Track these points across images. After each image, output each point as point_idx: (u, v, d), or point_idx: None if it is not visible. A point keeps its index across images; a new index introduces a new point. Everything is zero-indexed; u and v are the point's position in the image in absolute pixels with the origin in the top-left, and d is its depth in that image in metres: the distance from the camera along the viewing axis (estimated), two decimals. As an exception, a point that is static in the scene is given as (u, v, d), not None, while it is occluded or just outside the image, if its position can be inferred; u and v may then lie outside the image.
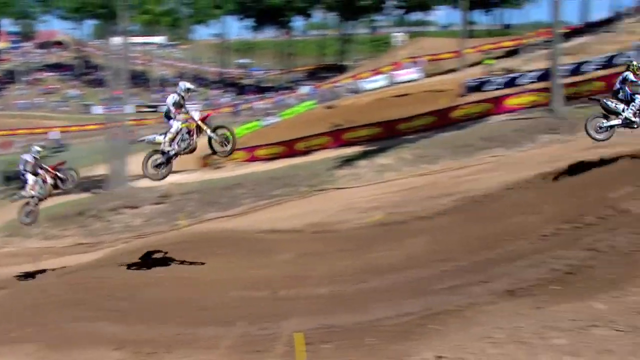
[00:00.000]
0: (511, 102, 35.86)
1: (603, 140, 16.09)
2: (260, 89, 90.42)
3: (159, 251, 17.75)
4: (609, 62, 41.49)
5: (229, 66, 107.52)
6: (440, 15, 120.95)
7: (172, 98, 14.81)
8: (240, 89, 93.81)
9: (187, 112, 14.76)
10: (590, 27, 57.64)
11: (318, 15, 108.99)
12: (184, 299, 13.85)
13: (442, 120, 36.06)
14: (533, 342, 8.18)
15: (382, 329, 10.34)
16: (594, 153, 18.66)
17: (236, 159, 39.78)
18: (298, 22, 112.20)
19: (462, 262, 13.36)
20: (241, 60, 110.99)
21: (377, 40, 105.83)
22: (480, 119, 35.03)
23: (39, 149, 20.50)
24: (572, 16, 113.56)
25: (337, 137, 39.17)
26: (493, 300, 10.30)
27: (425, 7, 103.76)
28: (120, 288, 14.93)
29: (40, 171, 19.45)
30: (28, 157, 19.58)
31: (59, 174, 19.63)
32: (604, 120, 16.05)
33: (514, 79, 43.35)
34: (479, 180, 21.80)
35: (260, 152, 40.79)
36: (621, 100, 16.05)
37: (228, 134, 14.55)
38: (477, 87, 43.86)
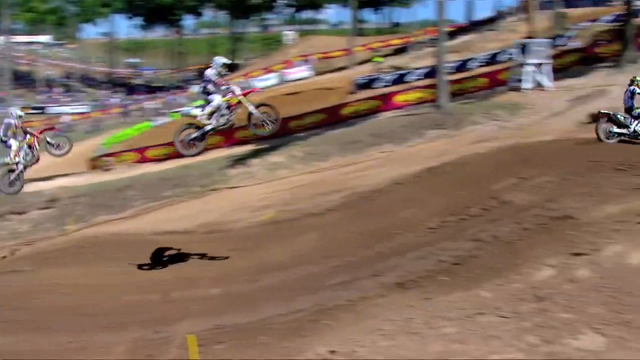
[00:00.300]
0: (399, 98, 36.52)
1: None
2: (151, 89, 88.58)
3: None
4: (492, 59, 42.98)
5: (118, 66, 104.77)
6: (330, 13, 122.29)
7: (212, 71, 14.23)
8: (130, 89, 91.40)
9: (227, 88, 14.29)
10: (474, 26, 59.51)
11: (209, 13, 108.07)
12: (77, 305, 13.32)
13: (332, 118, 36.30)
14: (423, 332, 8.26)
15: (274, 326, 10.23)
16: (479, 147, 19.20)
17: (126, 160, 38.90)
18: (188, 20, 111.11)
19: (353, 257, 13.44)
20: (131, 60, 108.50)
21: (269, 38, 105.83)
22: (369, 115, 35.52)
23: (20, 112, 18.97)
24: (457, 15, 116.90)
25: (229, 136, 38.79)
26: (384, 293, 10.37)
27: (315, 6, 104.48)
28: (12, 297, 14.23)
29: (26, 136, 18.08)
30: (9, 121, 18.01)
31: (48, 139, 18.27)
32: (615, 127, 17.59)
33: (402, 76, 44.22)
34: (368, 176, 22.04)
35: (151, 153, 39.91)
36: (632, 116, 17.69)
37: (272, 112, 14.25)
38: (367, 85, 44.42)
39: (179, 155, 37.24)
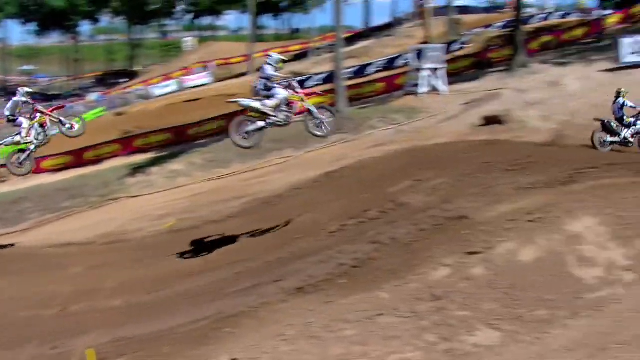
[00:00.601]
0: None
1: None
2: (47, 97, 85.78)
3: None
4: (389, 65, 43.77)
5: (11, 73, 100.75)
6: (230, 19, 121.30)
7: (270, 68, 14.24)
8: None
9: (288, 84, 14.32)
10: (372, 32, 60.52)
11: (106, 19, 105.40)
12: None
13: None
14: (323, 336, 8.27)
15: (178, 336, 10.08)
16: (376, 151, 19.48)
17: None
18: (85, 26, 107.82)
19: (255, 263, 13.41)
20: (25, 67, 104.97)
21: (168, 45, 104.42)
22: (269, 120, 35.39)
23: (28, 89, 18.33)
24: (356, 21, 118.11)
25: (128, 144, 38.10)
26: (285, 298, 10.34)
27: (215, 12, 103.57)
28: None
29: (36, 115, 17.64)
30: (17, 99, 17.54)
31: (61, 119, 17.86)
32: (608, 136, 18.81)
33: (301, 81, 44.30)
34: (269, 181, 22.09)
35: (47, 164, 38.52)
36: (624, 125, 19.00)
37: (330, 113, 14.42)
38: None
39: (76, 165, 36.68)
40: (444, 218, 11.26)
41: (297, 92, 14.52)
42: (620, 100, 19.88)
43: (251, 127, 14.11)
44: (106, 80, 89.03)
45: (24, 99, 17.46)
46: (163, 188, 28.02)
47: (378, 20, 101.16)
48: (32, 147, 17.33)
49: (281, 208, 17.28)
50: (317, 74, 44.60)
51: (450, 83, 33.47)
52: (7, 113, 17.57)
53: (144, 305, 12.58)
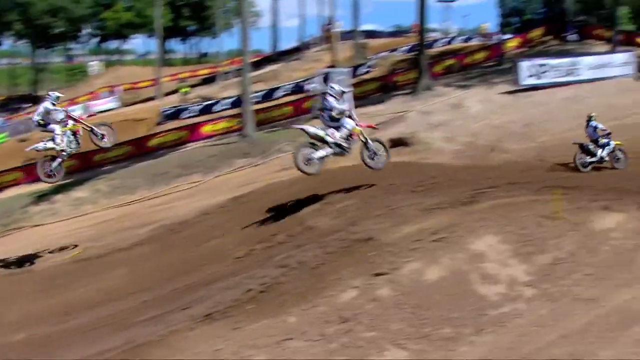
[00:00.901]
0: (207, 129, 36.48)
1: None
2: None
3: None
4: (297, 88, 44.00)
5: None
6: (137, 43, 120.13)
7: (333, 99, 14.60)
8: None
9: (349, 115, 14.81)
10: (280, 56, 60.70)
11: (8, 42, 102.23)
12: None
13: (139, 149, 35.46)
14: (233, 363, 8.16)
15: (86, 368, 9.81)
16: (285, 174, 19.49)
17: None
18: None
19: (162, 291, 13.19)
20: None
21: (73, 69, 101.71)
22: (177, 146, 35.26)
23: (58, 94, 17.99)
24: (264, 45, 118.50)
25: (31, 171, 36.88)
26: (193, 325, 10.14)
27: (121, 36, 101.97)
28: None
29: (69, 121, 17.20)
30: (48, 105, 17.07)
31: (94, 128, 17.49)
32: (588, 157, 19.93)
33: (209, 106, 44.30)
34: (176, 207, 21.83)
35: (-56, 193, 37.06)
36: (599, 146, 20.16)
37: (383, 145, 15.11)
38: (174, 115, 44.13)
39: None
40: (350, 240, 11.33)
41: (358, 124, 14.85)
42: (593, 123, 21.22)
43: (316, 155, 14.39)
44: (9, 105, 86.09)
45: (53, 105, 17.16)
46: (68, 216, 27.32)
47: (286, 44, 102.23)
48: (64, 154, 17.03)
49: (189, 234, 17.07)
50: (225, 99, 44.48)
51: (357, 106, 33.78)
52: (36, 118, 17.25)
53: (48, 338, 12.18)
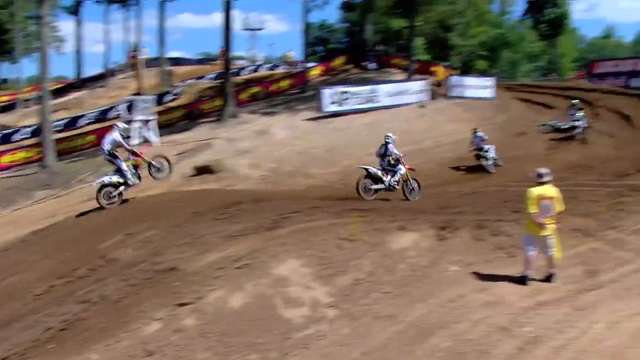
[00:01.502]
0: (5, 159, 34.51)
1: None
2: None
3: None
4: (102, 116, 42.88)
5: None
6: None
7: (392, 146, 18.97)
8: None
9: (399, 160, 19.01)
10: (85, 83, 58.75)
11: None
12: None
13: None
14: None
15: None
16: (88, 205, 18.90)
17: None
18: None
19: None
20: None
21: None
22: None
23: (126, 125, 19.08)
24: (68, 71, 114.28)
25: None
26: (-14, 371, 9.64)
27: None
28: None
29: (130, 156, 17.98)
30: (118, 136, 17.71)
31: (151, 161, 18.40)
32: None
33: (7, 135, 41.88)
34: (-27, 243, 20.41)
35: None
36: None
37: (417, 186, 19.09)
38: (-32, 146, 41.34)
39: None
40: (154, 271, 11.22)
41: (406, 168, 18.93)
42: (478, 134, 25.34)
43: (373, 187, 18.40)
44: None
45: (121, 136, 17.85)
46: None
47: (91, 70, 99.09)
48: (124, 187, 17.74)
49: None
50: (25, 127, 42.27)
51: (163, 134, 33.58)
52: (107, 147, 17.73)
53: None
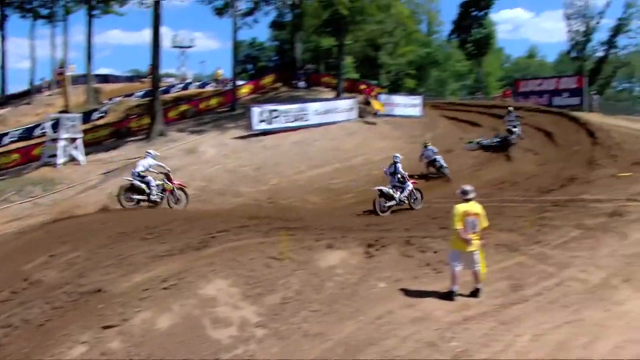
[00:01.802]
0: None
1: None
2: None
3: None
4: (27, 134, 41.89)
5: None
6: None
7: (400, 165, 21.70)
8: None
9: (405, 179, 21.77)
10: (9, 99, 57.22)
11: None
12: None
13: None
14: None
15: None
16: (11, 226, 18.46)
17: None
18: None
19: None
20: None
21: None
22: None
23: (156, 153, 21.13)
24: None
25: None
26: None
27: None
28: None
29: (165, 180, 20.18)
30: (152, 161, 19.94)
31: (175, 191, 20.39)
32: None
33: None
34: None
35: None
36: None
37: (421, 197, 22.11)
38: None
39: None
40: (78, 293, 10.98)
41: (410, 187, 21.42)
42: (430, 147, 27.85)
43: (387, 204, 20.72)
44: None
45: (155, 161, 20.17)
46: None
47: (16, 87, 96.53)
48: (145, 198, 19.64)
49: None
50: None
51: (90, 152, 33.02)
52: (140, 169, 19.81)
53: None
